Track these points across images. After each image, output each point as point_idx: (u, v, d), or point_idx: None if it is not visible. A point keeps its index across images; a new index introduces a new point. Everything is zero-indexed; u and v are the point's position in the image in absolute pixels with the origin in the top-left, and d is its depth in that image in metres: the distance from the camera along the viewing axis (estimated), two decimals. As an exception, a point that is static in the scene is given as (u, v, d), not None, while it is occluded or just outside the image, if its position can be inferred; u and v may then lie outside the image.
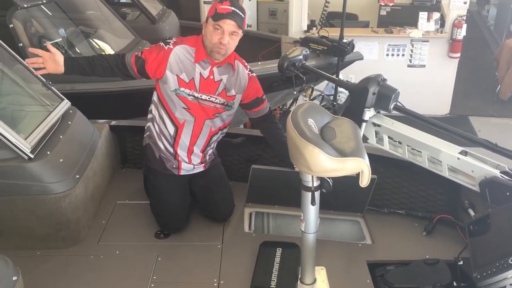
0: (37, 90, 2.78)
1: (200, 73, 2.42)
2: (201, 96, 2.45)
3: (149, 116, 2.61)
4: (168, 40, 2.46)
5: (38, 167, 2.34)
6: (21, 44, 3.82)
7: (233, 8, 2.30)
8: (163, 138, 2.55)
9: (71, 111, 2.80)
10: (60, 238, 2.47)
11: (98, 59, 2.45)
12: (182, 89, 2.42)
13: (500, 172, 2.23)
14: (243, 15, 2.34)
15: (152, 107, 2.57)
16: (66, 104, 2.78)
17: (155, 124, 2.56)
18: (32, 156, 2.33)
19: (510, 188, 2.18)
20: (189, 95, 2.43)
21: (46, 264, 2.38)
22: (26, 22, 4.01)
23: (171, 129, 2.52)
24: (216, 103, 2.49)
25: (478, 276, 1.91)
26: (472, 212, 2.46)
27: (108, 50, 4.29)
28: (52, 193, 2.36)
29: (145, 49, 2.47)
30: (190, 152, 2.57)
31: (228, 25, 2.30)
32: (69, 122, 2.70)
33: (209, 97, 2.47)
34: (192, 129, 2.51)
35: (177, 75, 2.40)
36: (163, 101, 2.48)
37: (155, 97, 2.55)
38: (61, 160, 2.45)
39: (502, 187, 2.20)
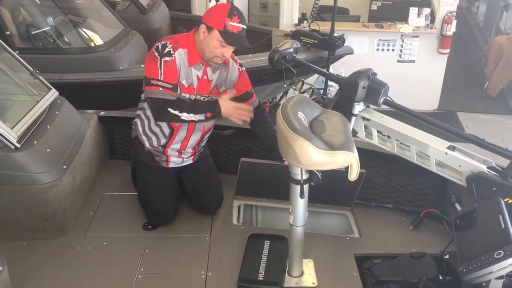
0: (25, 79, 2.74)
1: (196, 75, 2.41)
2: (196, 96, 2.44)
3: (137, 112, 2.58)
4: (166, 50, 2.28)
5: (25, 157, 2.31)
6: (9, 32, 3.77)
7: (242, 26, 2.25)
8: (153, 140, 2.53)
9: (59, 101, 2.76)
10: (46, 228, 2.45)
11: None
12: (183, 94, 2.40)
13: (487, 168, 2.25)
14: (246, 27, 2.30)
15: (145, 112, 2.51)
16: (54, 93, 2.74)
17: (145, 127, 2.53)
18: (18, 145, 2.30)
19: (496, 183, 2.20)
20: (188, 99, 2.42)
21: (32, 255, 2.36)
22: (13, 10, 3.96)
23: (167, 131, 2.50)
24: (209, 101, 2.48)
25: (464, 270, 1.93)
26: (458, 207, 2.48)
27: (97, 40, 4.25)
28: (39, 183, 2.33)
29: (160, 82, 2.26)
30: (181, 150, 2.58)
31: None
32: (57, 112, 2.66)
33: (204, 97, 2.46)
34: (186, 131, 2.51)
35: (179, 81, 2.37)
36: None
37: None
38: (48, 150, 2.43)
39: (489, 182, 2.22)
